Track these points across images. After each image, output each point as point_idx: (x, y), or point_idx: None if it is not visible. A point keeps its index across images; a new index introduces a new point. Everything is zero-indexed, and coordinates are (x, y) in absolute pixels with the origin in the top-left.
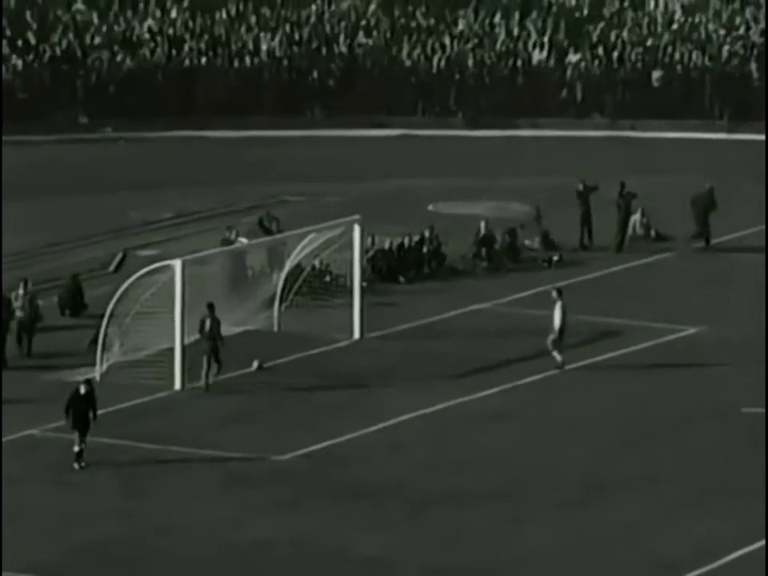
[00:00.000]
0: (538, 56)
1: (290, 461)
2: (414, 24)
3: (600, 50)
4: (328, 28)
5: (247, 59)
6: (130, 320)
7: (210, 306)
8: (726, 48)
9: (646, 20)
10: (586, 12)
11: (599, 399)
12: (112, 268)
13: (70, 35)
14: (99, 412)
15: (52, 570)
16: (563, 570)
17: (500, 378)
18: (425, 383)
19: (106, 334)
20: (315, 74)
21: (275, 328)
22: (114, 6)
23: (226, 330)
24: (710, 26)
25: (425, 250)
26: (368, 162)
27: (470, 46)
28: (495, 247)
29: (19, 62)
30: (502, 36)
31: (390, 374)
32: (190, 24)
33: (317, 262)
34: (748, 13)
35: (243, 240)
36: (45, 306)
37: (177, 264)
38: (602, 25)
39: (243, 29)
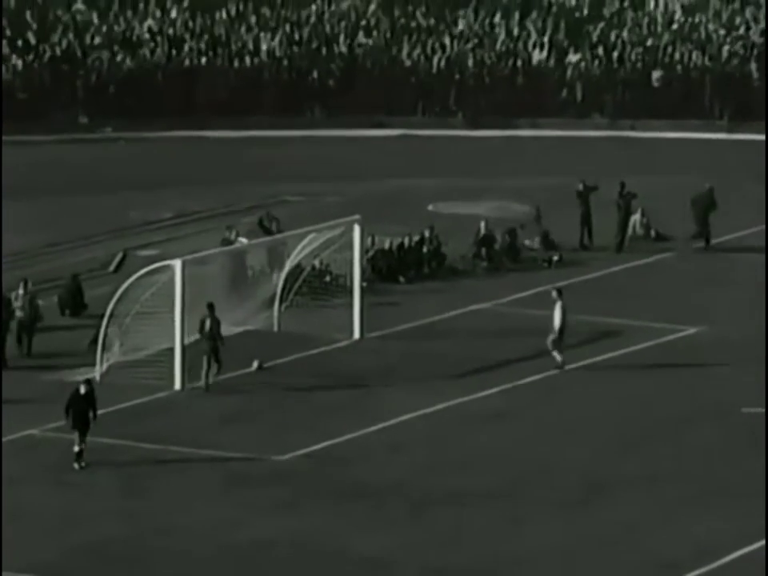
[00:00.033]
0: (538, 56)
1: (290, 461)
2: (413, 24)
3: (600, 50)
4: (328, 28)
5: (247, 59)
6: (130, 320)
7: (210, 306)
8: (725, 48)
9: (646, 20)
10: (586, 12)
11: (599, 399)
12: (112, 268)
13: (70, 35)
14: (99, 412)
15: (52, 570)
16: (563, 570)
17: (500, 378)
18: (425, 383)
19: (105, 334)
20: (315, 74)
21: (275, 328)
22: (113, 6)
23: (226, 329)
24: (710, 26)
25: (425, 249)
26: (368, 162)
27: (470, 46)
28: (495, 247)
29: (19, 62)
30: (502, 36)
31: (390, 373)
32: (190, 24)
33: (317, 262)
34: (748, 13)
35: (243, 240)
36: (45, 306)
37: (177, 264)
38: (602, 25)
39: (243, 29)
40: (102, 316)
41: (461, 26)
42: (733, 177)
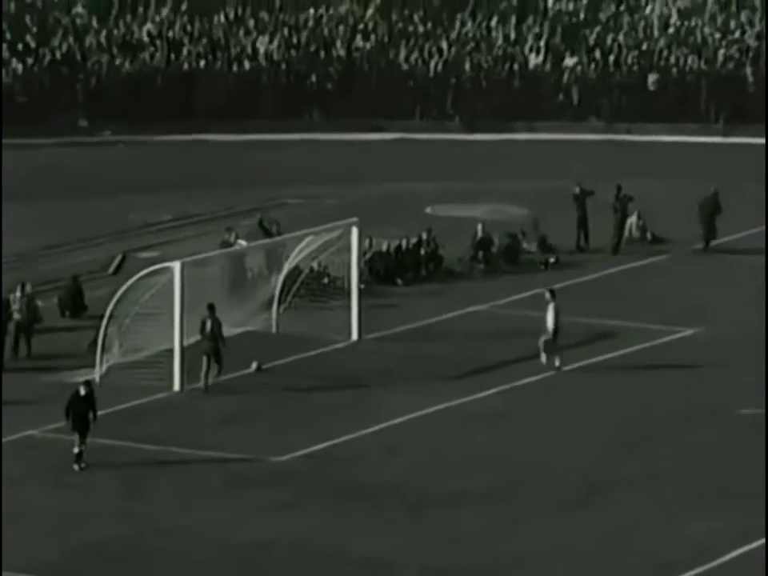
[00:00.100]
0: (534, 60)
1: (290, 461)
2: (411, 28)
3: (596, 54)
4: (326, 32)
5: (246, 63)
6: (130, 321)
7: (211, 307)
8: (721, 52)
9: (641, 24)
10: (582, 16)
11: (597, 400)
12: (112, 270)
13: (70, 39)
14: (99, 413)
15: (52, 570)
16: (562, 570)
17: (497, 379)
18: (423, 384)
19: (105, 336)
20: (313, 78)
21: (274, 329)
22: (113, 9)
23: (226, 331)
24: (706, 30)
25: (422, 252)
26: (366, 166)
27: (467, 49)
28: (492, 250)
29: (19, 66)
30: (499, 40)
31: (389, 375)
32: (189, 28)
33: (315, 264)
34: (743, 16)
35: (242, 242)
36: (45, 308)
37: (176, 266)
38: (598, 29)
39: (242, 32)
40: (102, 317)
41: (458, 29)
42: (729, 180)
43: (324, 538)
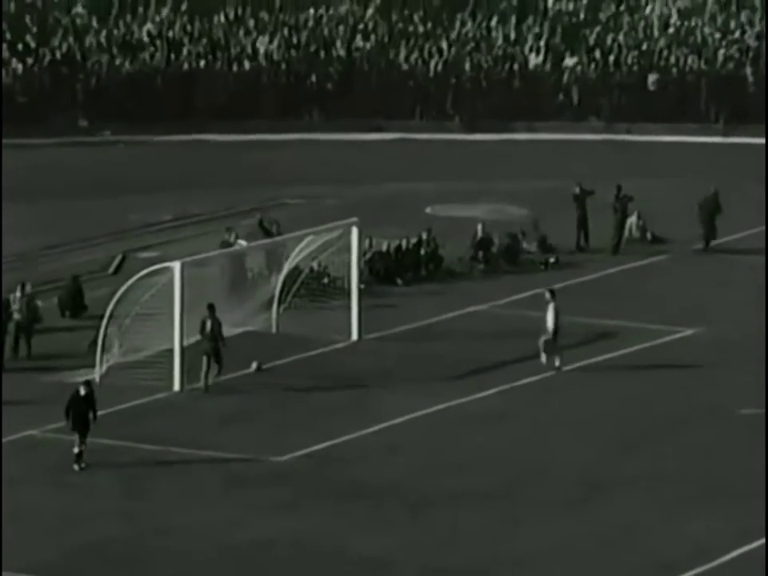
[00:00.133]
0: (534, 60)
1: (290, 461)
2: (411, 28)
3: (596, 54)
4: (326, 32)
5: (246, 63)
6: (130, 321)
7: (211, 307)
8: (721, 52)
9: (641, 24)
10: (582, 16)
11: (596, 400)
12: (111, 270)
13: (70, 39)
14: (99, 413)
15: (52, 570)
16: (562, 570)
17: (497, 379)
18: (423, 384)
19: (105, 336)
20: (313, 78)
21: (274, 329)
22: (113, 9)
23: (226, 331)
24: (706, 30)
25: (422, 252)
26: (366, 166)
27: (467, 49)
28: (492, 250)
29: (19, 66)
30: (499, 40)
31: (389, 375)
32: (189, 28)
33: (315, 264)
34: (743, 16)
35: (242, 242)
36: (45, 308)
37: (176, 266)
38: (598, 29)
39: (242, 32)
40: (102, 317)
41: (458, 29)
42: (729, 180)
43: (324, 537)
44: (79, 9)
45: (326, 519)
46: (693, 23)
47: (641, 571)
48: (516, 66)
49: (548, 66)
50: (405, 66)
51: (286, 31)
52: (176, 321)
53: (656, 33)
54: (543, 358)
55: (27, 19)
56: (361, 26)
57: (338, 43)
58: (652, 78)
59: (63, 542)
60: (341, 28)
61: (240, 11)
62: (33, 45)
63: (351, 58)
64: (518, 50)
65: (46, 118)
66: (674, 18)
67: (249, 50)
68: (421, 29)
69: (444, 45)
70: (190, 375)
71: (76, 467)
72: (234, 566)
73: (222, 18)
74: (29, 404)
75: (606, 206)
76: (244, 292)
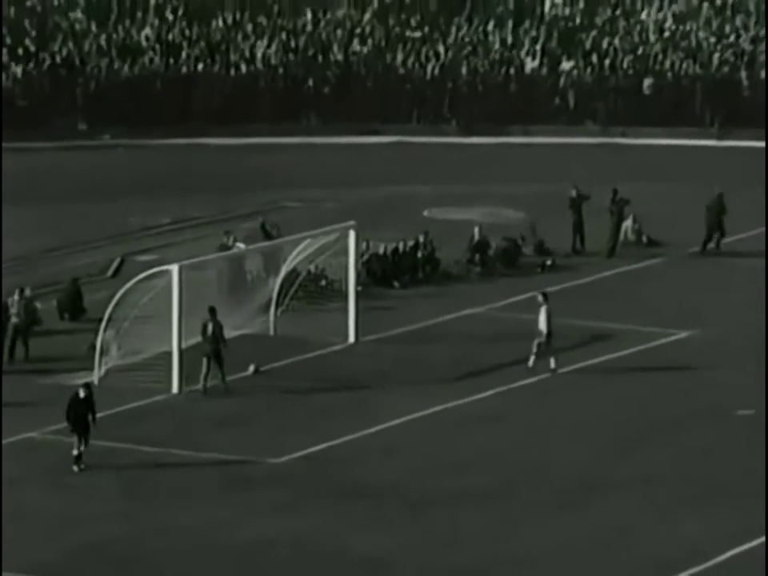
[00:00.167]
0: (531, 64)
1: (288, 463)
2: (408, 32)
3: (592, 58)
4: (323, 36)
5: (244, 67)
6: (129, 324)
7: (212, 310)
8: (716, 56)
9: (637, 28)
10: (578, 20)
11: (593, 402)
12: (110, 273)
13: (69, 43)
14: (98, 415)
15: (52, 571)
16: (560, 571)
17: (494, 381)
18: (420, 386)
19: (104, 338)
20: (311, 82)
21: (271, 332)
22: (112, 14)
23: (224, 333)
24: (701, 34)
25: (419, 255)
26: (363, 169)
27: (463, 53)
28: (489, 253)
29: (19, 70)
30: (496, 44)
31: (386, 377)
32: (187, 32)
33: (312, 267)
34: (738, 21)
35: (241, 245)
36: (44, 310)
37: (174, 269)
38: (594, 33)
39: (240, 37)
40: (101, 320)
41: (454, 34)
42: (724, 183)
43: (324, 538)
44: (78, 13)
45: (326, 519)
46: (688, 27)
47: (638, 572)
48: (512, 70)
49: (544, 70)
50: (402, 70)
51: (283, 35)
52: (174, 324)
53: (651, 37)
54: (531, 361)
55: (27, 23)
56: (358, 30)
57: (336, 47)
58: (647, 81)
59: (63, 542)
60: (338, 32)
61: (238, 16)
62: (33, 49)
63: (348, 62)
64: (515, 54)
65: (46, 121)
66: (669, 23)
67: (247, 54)
68: (418, 33)
69: (441, 49)
70: (188, 378)
71: (75, 469)
72: (234, 566)
73: (221, 23)
74: (28, 406)
75: (602, 210)
76: (243, 295)
